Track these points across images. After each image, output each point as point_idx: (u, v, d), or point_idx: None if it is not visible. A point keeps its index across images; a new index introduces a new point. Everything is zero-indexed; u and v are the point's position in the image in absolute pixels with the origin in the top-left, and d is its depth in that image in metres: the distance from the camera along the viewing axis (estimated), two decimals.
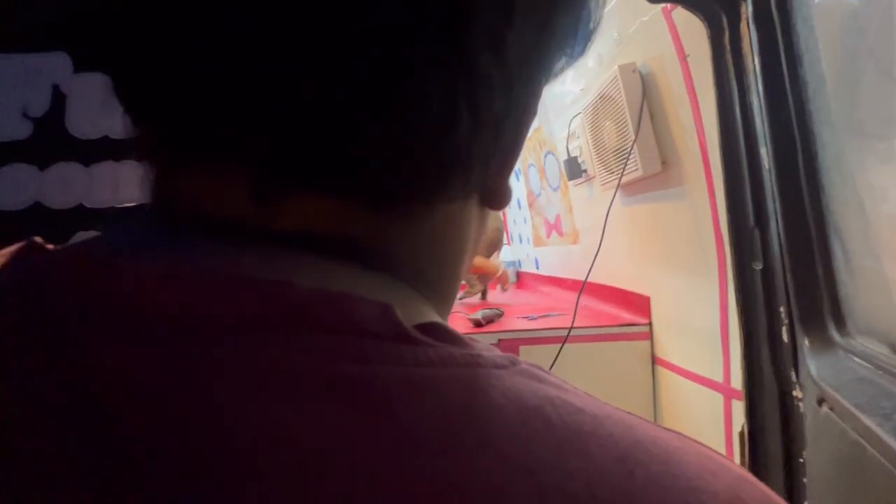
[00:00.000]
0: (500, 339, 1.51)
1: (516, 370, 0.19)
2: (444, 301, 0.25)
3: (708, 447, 0.19)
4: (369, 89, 0.18)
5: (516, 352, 1.43)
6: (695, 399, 1.26)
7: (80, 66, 1.43)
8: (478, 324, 1.64)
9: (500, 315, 1.74)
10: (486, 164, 0.22)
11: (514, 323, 1.67)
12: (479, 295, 2.19)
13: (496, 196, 0.24)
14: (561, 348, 1.42)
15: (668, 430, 0.19)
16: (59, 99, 1.43)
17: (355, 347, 0.17)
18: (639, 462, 0.16)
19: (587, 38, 0.24)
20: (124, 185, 1.46)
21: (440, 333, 0.19)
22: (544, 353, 1.42)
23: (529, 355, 1.47)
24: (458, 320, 1.70)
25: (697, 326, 1.23)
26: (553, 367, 1.40)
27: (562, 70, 0.24)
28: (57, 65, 1.43)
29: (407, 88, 0.18)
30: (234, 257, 0.19)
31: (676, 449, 0.18)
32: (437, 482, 0.15)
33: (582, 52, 0.24)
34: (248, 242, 0.19)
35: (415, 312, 0.21)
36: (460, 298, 2.12)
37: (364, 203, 0.20)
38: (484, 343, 0.20)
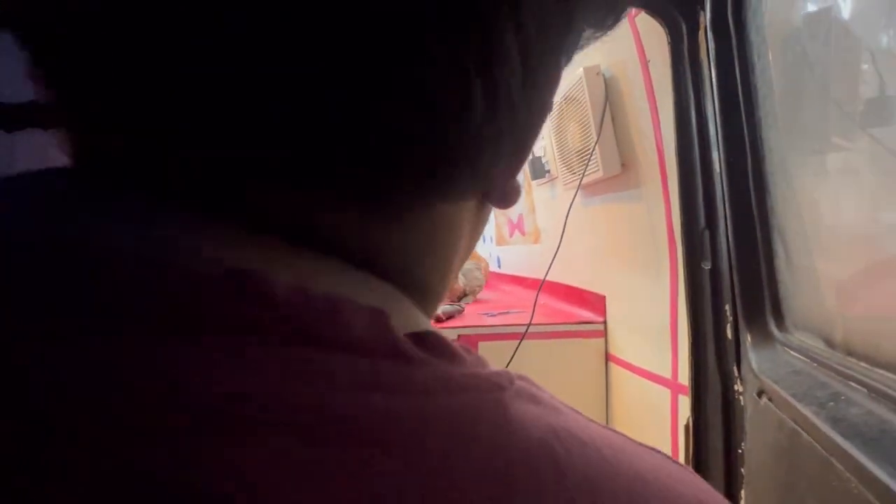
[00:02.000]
0: (459, 335, 1.52)
1: (514, 391, 0.18)
2: (430, 301, 0.23)
3: (680, 464, 0.20)
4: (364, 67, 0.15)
5: (475, 347, 1.45)
6: (644, 394, 1.31)
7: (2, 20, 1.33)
8: (437, 319, 1.65)
9: (461, 311, 1.76)
10: (497, 163, 0.19)
11: (474, 319, 1.69)
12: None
13: (503, 195, 0.22)
14: (519, 344, 1.44)
15: (648, 447, 0.20)
16: None
17: (345, 367, 0.15)
18: (642, 497, 0.17)
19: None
20: (54, 158, 1.34)
21: (434, 346, 0.18)
22: (503, 349, 1.44)
23: (488, 351, 1.49)
24: None
25: (649, 324, 1.27)
26: (511, 363, 1.42)
27: (583, 43, 0.21)
28: None
29: (412, 64, 0.15)
30: (195, 235, 0.16)
31: (667, 476, 0.19)
32: None
33: (617, 19, 0.21)
34: (208, 219, 0.17)
35: (405, 318, 0.19)
36: None
37: (343, 198, 0.18)
38: (475, 355, 0.19)
